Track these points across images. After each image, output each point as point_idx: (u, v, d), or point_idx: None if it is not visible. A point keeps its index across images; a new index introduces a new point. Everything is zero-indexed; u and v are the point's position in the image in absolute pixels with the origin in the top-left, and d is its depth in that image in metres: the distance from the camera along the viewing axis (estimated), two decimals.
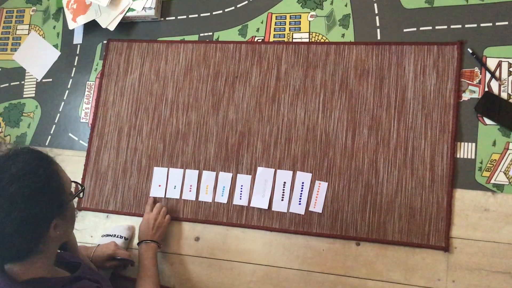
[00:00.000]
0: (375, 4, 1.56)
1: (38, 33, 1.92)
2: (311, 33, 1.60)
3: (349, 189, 1.46)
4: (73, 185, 1.11)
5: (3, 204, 0.93)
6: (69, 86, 1.82)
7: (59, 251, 1.14)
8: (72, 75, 1.82)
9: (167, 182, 1.61)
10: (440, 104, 1.43)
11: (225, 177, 1.56)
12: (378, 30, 1.54)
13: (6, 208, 0.93)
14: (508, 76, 1.40)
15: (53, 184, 1.01)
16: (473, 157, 1.39)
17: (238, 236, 1.52)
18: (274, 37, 1.63)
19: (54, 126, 1.80)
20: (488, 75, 1.42)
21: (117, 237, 1.56)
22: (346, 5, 1.59)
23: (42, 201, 0.97)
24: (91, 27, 1.81)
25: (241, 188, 1.54)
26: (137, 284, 1.36)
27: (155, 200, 1.60)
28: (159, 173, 1.63)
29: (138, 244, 1.46)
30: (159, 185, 1.62)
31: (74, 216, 1.11)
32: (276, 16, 1.65)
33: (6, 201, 0.93)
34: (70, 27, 1.82)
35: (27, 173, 0.96)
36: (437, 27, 1.49)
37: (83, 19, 1.79)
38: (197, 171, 1.59)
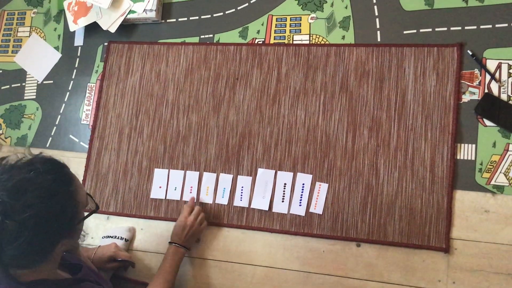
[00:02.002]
0: (375, 6, 1.56)
1: (39, 35, 1.92)
2: (311, 35, 1.61)
3: (349, 190, 1.46)
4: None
5: (13, 228, 0.92)
6: (70, 88, 1.82)
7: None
8: (73, 77, 1.83)
9: (168, 184, 1.61)
10: (440, 105, 1.44)
11: (225, 179, 1.57)
12: (378, 32, 1.54)
13: (15, 232, 0.92)
14: (508, 77, 1.41)
15: (68, 211, 1.00)
16: (473, 158, 1.39)
17: (239, 238, 1.52)
18: (274, 39, 1.64)
19: (54, 128, 1.80)
20: (488, 77, 1.42)
21: (118, 238, 1.57)
22: (346, 7, 1.59)
23: (53, 227, 0.97)
24: (92, 29, 1.81)
25: (242, 190, 1.54)
26: (154, 280, 1.36)
27: (194, 203, 1.54)
28: (159, 174, 1.63)
29: (169, 243, 1.44)
30: (160, 187, 1.62)
31: (81, 231, 1.10)
32: (276, 18, 1.65)
33: (16, 225, 0.92)
34: (71, 29, 1.83)
35: (43, 201, 0.94)
36: (437, 29, 1.49)
37: (84, 21, 1.80)
38: (198, 172, 1.60)
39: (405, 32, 1.52)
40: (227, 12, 1.71)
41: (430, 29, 1.50)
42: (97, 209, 1.11)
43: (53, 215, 0.96)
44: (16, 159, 1.00)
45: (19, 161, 0.99)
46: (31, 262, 0.99)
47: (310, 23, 1.62)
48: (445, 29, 1.49)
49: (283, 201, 1.50)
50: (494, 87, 1.42)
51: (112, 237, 1.57)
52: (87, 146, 1.73)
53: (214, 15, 1.72)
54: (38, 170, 0.97)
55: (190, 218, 1.46)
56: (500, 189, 1.36)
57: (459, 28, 1.47)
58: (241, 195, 1.54)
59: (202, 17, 1.74)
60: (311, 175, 1.50)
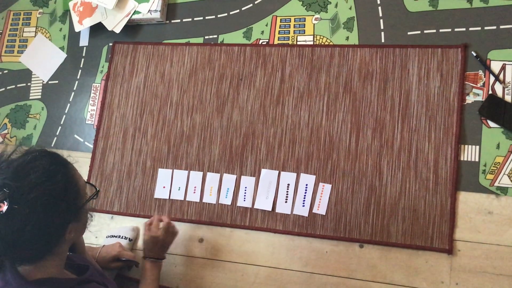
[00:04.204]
0: (379, 7, 1.56)
1: (45, 36, 1.93)
2: (315, 35, 1.61)
3: (352, 191, 1.46)
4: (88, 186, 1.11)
5: (21, 212, 0.92)
6: (75, 88, 1.83)
7: (68, 252, 1.14)
8: (78, 77, 1.84)
9: (172, 184, 1.62)
10: (444, 106, 1.44)
11: (229, 179, 1.57)
12: (382, 33, 1.54)
13: (24, 216, 0.93)
14: None
15: (71, 190, 1.01)
16: (477, 159, 1.39)
17: (242, 238, 1.52)
18: (278, 40, 1.64)
19: (59, 127, 1.81)
20: (492, 78, 1.42)
21: (122, 238, 1.57)
22: (350, 8, 1.59)
23: (60, 207, 0.98)
24: (97, 29, 1.82)
25: (245, 190, 1.55)
26: None
27: (160, 217, 1.49)
28: (163, 174, 1.63)
29: (143, 258, 1.41)
30: (164, 187, 1.62)
31: (88, 218, 1.11)
32: (280, 19, 1.65)
33: (25, 208, 0.93)
34: (76, 30, 1.84)
35: (46, 180, 0.96)
36: (441, 30, 1.49)
37: (89, 22, 1.81)
38: (201, 172, 1.60)
39: (409, 33, 1.52)
40: (231, 12, 1.72)
41: (434, 30, 1.50)
42: (98, 192, 1.13)
43: (58, 194, 0.97)
44: (11, 150, 1.02)
45: (14, 151, 1.02)
46: (43, 250, 0.99)
47: (314, 24, 1.62)
48: (449, 30, 1.48)
49: (286, 202, 1.51)
50: (498, 88, 1.41)
51: (116, 237, 1.58)
52: (91, 146, 1.74)
53: (219, 15, 1.73)
54: (35, 155, 1.00)
55: (160, 231, 1.42)
56: (503, 190, 1.36)
57: (464, 29, 1.47)
58: (245, 196, 1.55)
59: (207, 17, 1.74)
60: (315, 176, 1.50)
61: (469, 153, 1.40)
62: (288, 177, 1.52)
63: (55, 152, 1.05)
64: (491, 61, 1.43)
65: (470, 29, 1.47)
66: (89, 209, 1.11)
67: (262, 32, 1.66)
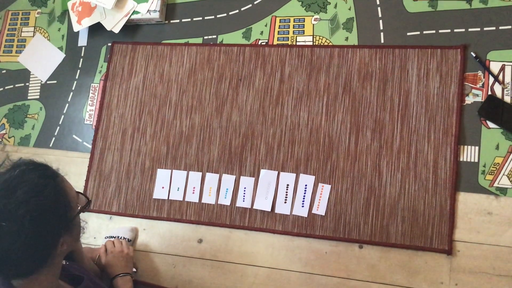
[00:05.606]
0: (379, 8, 1.56)
1: (43, 35, 1.93)
2: (314, 36, 1.61)
3: (352, 191, 1.46)
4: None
5: (11, 228, 0.91)
6: (73, 88, 1.83)
7: (64, 262, 1.13)
8: (77, 77, 1.83)
9: (171, 184, 1.62)
10: (443, 107, 1.44)
11: (228, 179, 1.57)
12: (382, 34, 1.54)
13: (14, 232, 0.91)
14: None
15: (60, 203, 0.99)
16: (476, 160, 1.39)
17: (241, 238, 1.52)
18: (278, 40, 1.64)
19: (58, 127, 1.81)
20: (491, 79, 1.42)
21: (121, 238, 1.57)
22: (349, 9, 1.59)
23: (50, 221, 0.96)
24: (96, 29, 1.82)
25: (244, 190, 1.55)
26: None
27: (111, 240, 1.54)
28: (162, 175, 1.63)
29: (112, 279, 1.40)
30: (162, 187, 1.62)
31: (81, 229, 1.10)
32: (280, 19, 1.65)
33: (14, 225, 0.91)
34: (75, 30, 1.83)
35: (34, 196, 0.94)
36: (440, 31, 1.49)
37: (88, 22, 1.80)
38: (200, 173, 1.60)
39: (408, 33, 1.52)
40: (230, 13, 1.71)
41: (434, 31, 1.50)
42: (90, 202, 1.10)
43: (47, 208, 0.95)
44: None
45: (1, 166, 0.99)
46: (34, 265, 0.98)
47: (313, 24, 1.62)
48: (449, 31, 1.49)
49: (285, 202, 1.51)
50: (498, 89, 1.42)
51: (115, 238, 1.57)
52: (90, 146, 1.73)
53: (218, 16, 1.73)
54: (23, 169, 0.97)
55: (116, 248, 1.47)
56: (503, 191, 1.36)
57: (463, 30, 1.47)
58: (244, 196, 1.54)
59: (206, 18, 1.74)
60: (314, 176, 1.50)
61: (469, 153, 1.40)
62: (288, 177, 1.52)
63: (43, 164, 1.02)
64: (491, 62, 1.43)
65: (470, 29, 1.47)
66: (80, 221, 1.09)
67: (262, 33, 1.66)
